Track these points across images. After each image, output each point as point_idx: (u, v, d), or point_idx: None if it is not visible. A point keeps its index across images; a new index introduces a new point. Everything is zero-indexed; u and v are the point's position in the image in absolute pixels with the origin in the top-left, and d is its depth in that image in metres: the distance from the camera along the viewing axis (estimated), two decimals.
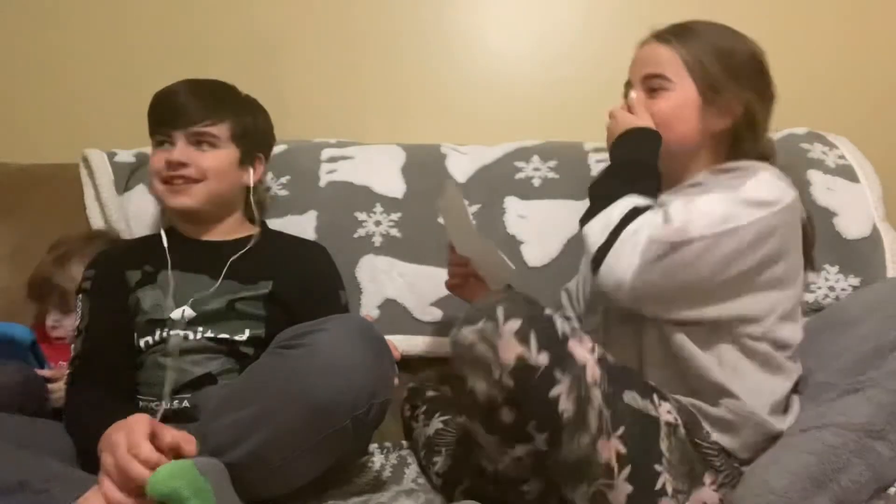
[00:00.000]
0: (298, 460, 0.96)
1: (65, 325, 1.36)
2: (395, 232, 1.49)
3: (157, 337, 1.20)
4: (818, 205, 1.42)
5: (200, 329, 1.20)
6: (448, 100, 1.79)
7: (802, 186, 1.32)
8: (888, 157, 1.57)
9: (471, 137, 1.67)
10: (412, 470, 1.23)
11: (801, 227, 1.07)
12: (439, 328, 1.44)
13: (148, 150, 1.34)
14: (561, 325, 0.92)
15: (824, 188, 1.45)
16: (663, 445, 0.95)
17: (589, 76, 1.76)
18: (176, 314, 1.20)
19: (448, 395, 1.34)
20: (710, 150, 1.13)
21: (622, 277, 0.97)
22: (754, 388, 1.01)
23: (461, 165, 1.58)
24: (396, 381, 1.03)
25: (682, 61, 1.10)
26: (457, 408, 1.28)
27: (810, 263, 1.13)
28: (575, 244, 1.46)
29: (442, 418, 1.26)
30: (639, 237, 0.96)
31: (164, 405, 1.15)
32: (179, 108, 1.27)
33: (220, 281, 1.24)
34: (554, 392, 0.87)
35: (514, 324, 0.87)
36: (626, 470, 0.92)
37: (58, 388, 1.21)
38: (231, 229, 1.34)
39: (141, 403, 1.18)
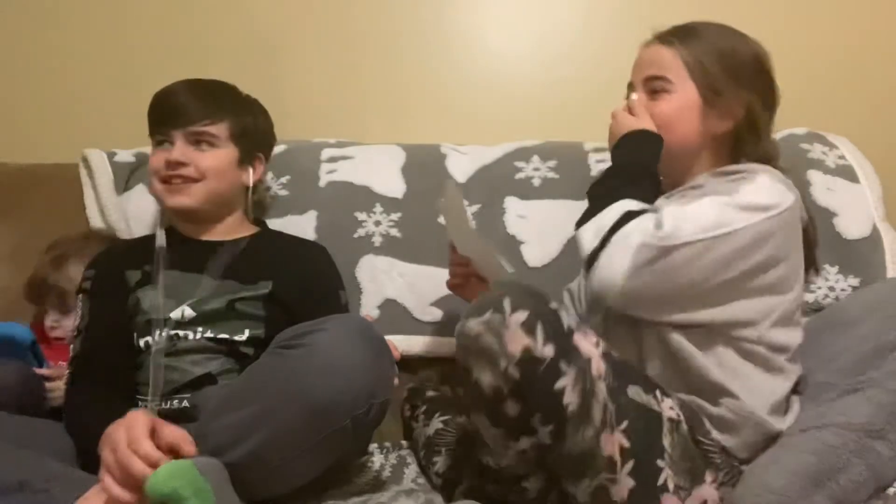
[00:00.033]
0: (298, 460, 0.96)
1: (64, 325, 1.36)
2: (394, 232, 1.49)
3: (156, 337, 1.20)
4: (818, 205, 1.42)
5: (200, 329, 1.20)
6: (448, 100, 1.79)
7: (802, 187, 1.32)
8: (888, 158, 1.56)
9: (471, 137, 1.67)
10: (412, 470, 1.23)
11: (801, 230, 1.07)
12: (439, 328, 1.44)
13: (148, 149, 1.34)
14: (566, 318, 0.92)
15: (824, 188, 1.45)
16: (666, 441, 0.95)
17: (589, 76, 1.76)
18: (175, 314, 1.20)
19: (448, 395, 1.34)
20: (712, 152, 1.13)
21: (613, 281, 0.97)
22: (753, 388, 1.01)
23: (461, 165, 1.58)
24: (396, 381, 1.03)
25: (683, 63, 1.10)
26: (460, 402, 1.28)
27: (813, 265, 1.13)
28: (575, 244, 1.44)
29: (442, 418, 1.26)
30: (630, 241, 0.96)
31: (152, 405, 1.14)
32: (178, 108, 1.27)
33: (204, 279, 1.24)
34: (559, 384, 0.87)
35: (521, 315, 0.87)
36: (629, 464, 0.91)
37: (56, 388, 1.22)
38: (231, 229, 1.34)
39: (140, 403, 1.18)
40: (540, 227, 1.49)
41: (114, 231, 1.45)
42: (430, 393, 1.34)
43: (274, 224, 1.45)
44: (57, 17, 1.79)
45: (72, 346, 1.21)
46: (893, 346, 0.98)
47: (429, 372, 1.42)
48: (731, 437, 1.01)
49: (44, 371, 1.24)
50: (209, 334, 1.20)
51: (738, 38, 1.13)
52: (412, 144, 1.62)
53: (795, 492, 0.92)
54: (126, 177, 1.53)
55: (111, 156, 1.56)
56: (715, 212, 0.98)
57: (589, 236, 1.01)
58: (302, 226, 1.47)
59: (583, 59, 1.78)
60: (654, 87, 1.12)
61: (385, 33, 1.79)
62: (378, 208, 1.51)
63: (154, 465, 0.88)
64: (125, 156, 1.57)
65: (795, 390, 1.07)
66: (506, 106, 1.79)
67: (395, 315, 1.44)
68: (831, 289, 1.40)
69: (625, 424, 0.92)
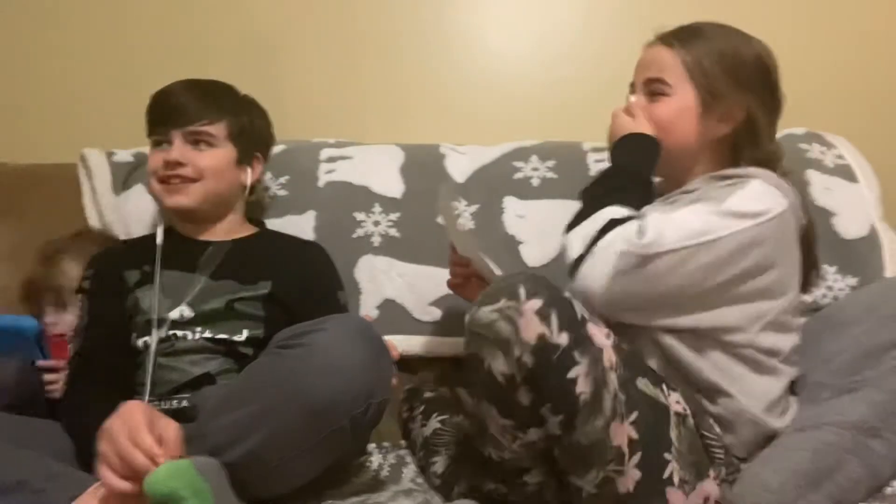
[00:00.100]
0: (297, 460, 0.96)
1: (64, 320, 1.35)
2: (394, 232, 1.49)
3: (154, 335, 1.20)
4: (816, 205, 1.42)
5: (199, 329, 1.20)
6: (447, 100, 1.79)
7: (801, 187, 1.32)
8: (887, 157, 1.56)
9: (470, 137, 1.67)
10: (410, 470, 1.23)
11: (796, 236, 1.06)
12: (438, 328, 1.44)
13: (147, 149, 1.34)
14: (579, 307, 0.92)
15: (822, 188, 1.45)
16: (673, 434, 0.95)
17: (589, 76, 1.76)
18: (174, 314, 1.21)
19: (446, 395, 1.34)
20: (712, 154, 1.13)
21: (594, 288, 0.97)
22: (747, 388, 1.02)
23: (460, 165, 1.58)
24: (395, 381, 1.02)
25: (682, 65, 1.10)
26: (458, 402, 1.28)
27: (814, 267, 1.12)
28: None
29: (440, 418, 1.26)
30: (612, 249, 0.96)
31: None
32: (176, 108, 1.27)
33: (196, 274, 1.24)
34: (573, 373, 0.87)
35: (536, 303, 0.86)
36: (637, 456, 0.91)
37: (57, 379, 1.21)
38: (230, 229, 1.34)
39: None
40: (539, 227, 1.49)
41: (108, 229, 1.45)
42: (428, 394, 1.34)
43: (273, 224, 1.45)
44: (57, 17, 1.79)
45: (71, 345, 1.21)
46: (889, 346, 0.98)
47: (425, 373, 1.42)
48: (729, 435, 1.01)
49: (48, 362, 1.24)
50: (208, 334, 1.20)
51: (741, 39, 1.12)
52: (411, 144, 1.62)
53: (793, 490, 0.92)
54: (125, 177, 1.53)
55: (110, 155, 1.56)
56: (700, 219, 0.98)
57: (576, 243, 1.01)
58: (301, 226, 1.47)
59: (583, 59, 1.78)
60: (653, 89, 1.12)
61: (385, 33, 1.79)
62: (377, 208, 1.51)
63: (154, 459, 0.87)
64: (124, 156, 1.57)
65: (793, 391, 1.07)
66: (505, 106, 1.79)
67: (395, 315, 1.44)
68: (829, 288, 1.40)
69: (634, 416, 0.91)
